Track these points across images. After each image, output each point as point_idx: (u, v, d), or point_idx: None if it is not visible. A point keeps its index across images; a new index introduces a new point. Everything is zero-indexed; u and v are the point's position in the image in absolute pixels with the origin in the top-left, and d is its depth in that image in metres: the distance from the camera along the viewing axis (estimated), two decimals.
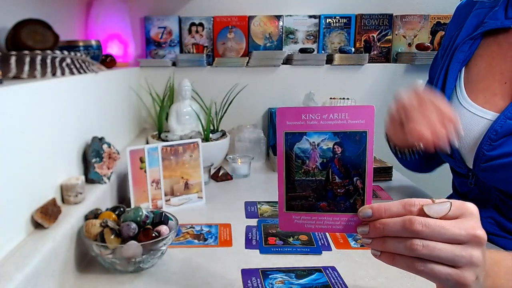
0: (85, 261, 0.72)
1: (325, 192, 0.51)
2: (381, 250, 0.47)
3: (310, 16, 1.54)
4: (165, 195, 0.97)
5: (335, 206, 0.51)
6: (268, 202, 1.03)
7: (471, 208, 0.45)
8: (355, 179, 0.50)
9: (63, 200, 0.74)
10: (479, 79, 0.77)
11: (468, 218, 0.44)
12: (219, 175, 1.20)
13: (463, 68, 0.79)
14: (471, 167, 0.77)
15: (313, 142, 0.51)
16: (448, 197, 0.91)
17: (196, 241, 0.82)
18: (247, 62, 1.49)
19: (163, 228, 0.72)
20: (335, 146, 0.50)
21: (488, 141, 0.71)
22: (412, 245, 0.43)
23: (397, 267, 0.46)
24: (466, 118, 0.75)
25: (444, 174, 1.41)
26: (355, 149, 0.49)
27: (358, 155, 0.50)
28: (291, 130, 0.51)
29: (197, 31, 1.53)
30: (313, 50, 1.51)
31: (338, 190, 0.51)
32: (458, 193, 0.86)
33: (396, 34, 1.56)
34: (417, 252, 0.43)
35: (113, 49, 1.39)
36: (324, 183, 0.51)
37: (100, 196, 0.82)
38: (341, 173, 0.50)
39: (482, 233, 0.44)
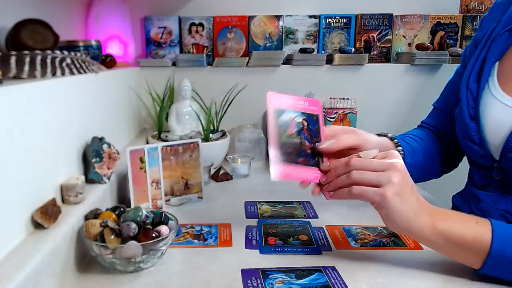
0: (85, 261, 0.72)
1: (301, 151, 0.73)
2: (334, 189, 0.69)
3: (310, 16, 1.54)
4: (165, 195, 0.97)
5: (307, 162, 0.73)
6: (268, 202, 1.03)
7: (395, 153, 0.67)
8: (316, 144, 0.74)
9: (63, 200, 0.74)
10: None
11: (390, 157, 0.66)
12: (219, 175, 1.20)
13: (498, 61, 0.79)
14: (497, 158, 0.76)
15: (291, 116, 0.73)
16: (460, 192, 0.92)
17: (196, 241, 0.82)
18: (247, 62, 1.49)
19: (163, 228, 0.72)
20: (303, 121, 0.74)
21: None
22: (350, 174, 0.66)
23: (343, 199, 0.67)
24: (498, 109, 0.75)
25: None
26: (314, 125, 0.75)
27: (316, 129, 0.75)
28: (278, 107, 0.73)
29: (197, 31, 1.53)
30: (313, 50, 1.51)
31: (308, 151, 0.73)
32: (474, 185, 0.85)
33: (396, 34, 1.57)
34: (352, 177, 0.65)
35: (113, 49, 1.39)
36: (299, 144, 0.73)
37: (100, 196, 0.82)
38: (307, 139, 0.74)
39: (399, 163, 0.65)
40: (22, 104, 0.60)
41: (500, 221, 0.66)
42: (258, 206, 1.00)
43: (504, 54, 0.79)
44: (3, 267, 0.52)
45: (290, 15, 1.54)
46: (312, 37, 1.56)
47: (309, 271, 0.70)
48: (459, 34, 1.58)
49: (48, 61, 0.76)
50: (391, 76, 1.53)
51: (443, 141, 0.96)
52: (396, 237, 0.83)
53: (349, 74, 1.52)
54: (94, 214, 0.73)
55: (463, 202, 0.89)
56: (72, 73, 0.81)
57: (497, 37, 0.79)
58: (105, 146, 0.86)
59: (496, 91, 0.77)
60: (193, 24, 1.53)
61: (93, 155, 0.84)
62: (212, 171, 1.21)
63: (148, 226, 0.71)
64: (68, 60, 0.81)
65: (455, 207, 0.92)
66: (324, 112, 1.47)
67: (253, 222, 0.91)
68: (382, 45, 1.57)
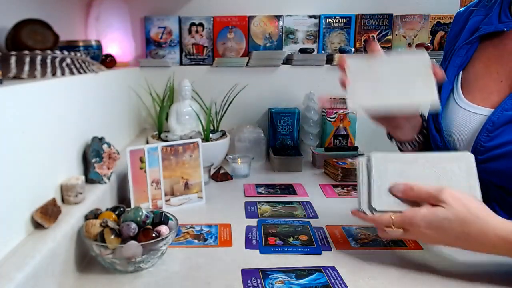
0: (85, 261, 0.72)
1: None
2: None
3: (310, 16, 1.54)
4: (165, 195, 0.97)
5: None
6: (268, 202, 1.03)
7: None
8: None
9: (63, 200, 0.74)
10: (477, 78, 0.79)
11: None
12: (219, 175, 1.20)
13: (461, 72, 0.82)
14: None
15: None
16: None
17: (196, 241, 0.82)
18: (247, 62, 1.49)
19: (163, 228, 0.72)
20: None
21: (485, 133, 0.72)
22: None
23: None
24: (462, 117, 0.78)
25: None
26: None
27: None
28: None
29: (197, 31, 1.53)
30: (313, 50, 1.51)
31: None
32: None
33: (396, 34, 1.56)
34: None
35: (113, 49, 1.39)
36: None
37: (100, 196, 0.82)
38: None
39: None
40: (22, 104, 0.60)
41: None
42: (258, 206, 1.00)
43: (466, 65, 0.81)
44: (3, 267, 0.52)
45: (290, 15, 1.54)
46: (312, 37, 1.56)
47: (309, 271, 0.70)
48: None
49: (48, 61, 0.76)
50: None
51: None
52: None
53: None
54: (94, 214, 0.73)
55: None
56: (72, 73, 0.82)
57: (457, 50, 0.83)
58: (105, 146, 0.86)
59: (460, 100, 0.80)
60: (193, 24, 1.53)
61: (93, 155, 0.84)
62: (212, 171, 1.21)
63: (148, 226, 0.71)
64: (68, 60, 0.81)
65: None
66: (324, 112, 1.47)
67: (253, 222, 0.91)
68: (382, 45, 1.56)
